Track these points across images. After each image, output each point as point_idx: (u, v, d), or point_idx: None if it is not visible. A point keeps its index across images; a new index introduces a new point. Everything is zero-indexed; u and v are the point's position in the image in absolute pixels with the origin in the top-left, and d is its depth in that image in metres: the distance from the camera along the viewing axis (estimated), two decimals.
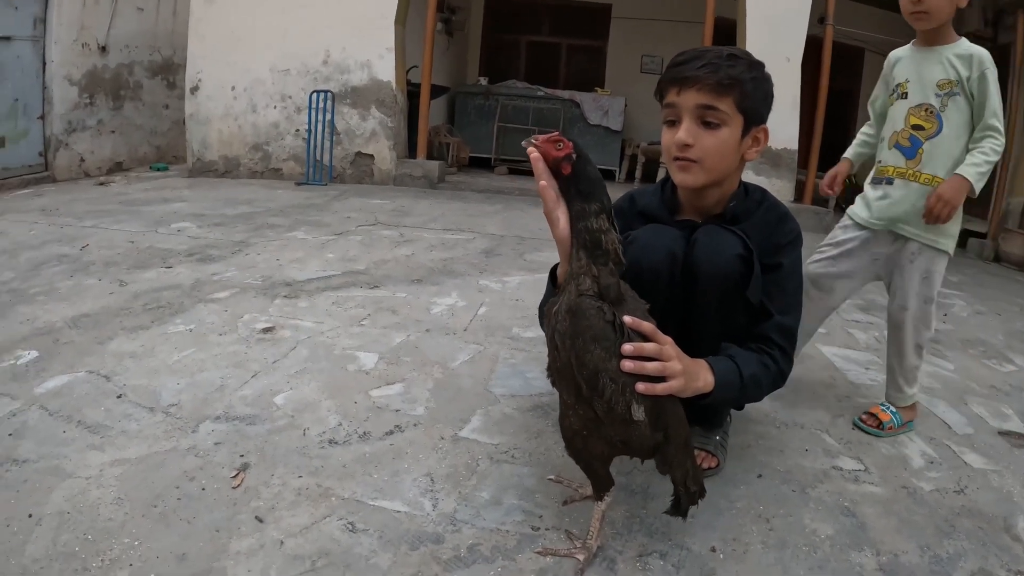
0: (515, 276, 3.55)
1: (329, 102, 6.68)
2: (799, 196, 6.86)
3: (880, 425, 2.14)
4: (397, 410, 2.01)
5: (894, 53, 2.23)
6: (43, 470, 1.64)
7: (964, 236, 7.36)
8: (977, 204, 7.70)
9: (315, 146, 6.62)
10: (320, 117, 6.61)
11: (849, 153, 2.39)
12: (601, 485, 1.41)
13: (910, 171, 2.09)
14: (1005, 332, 3.70)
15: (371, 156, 6.93)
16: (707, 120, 1.56)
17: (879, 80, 2.28)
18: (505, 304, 3.10)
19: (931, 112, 2.06)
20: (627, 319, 1.27)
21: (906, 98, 2.11)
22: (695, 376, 1.36)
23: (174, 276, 3.16)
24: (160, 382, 2.09)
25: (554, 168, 1.32)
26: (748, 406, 2.00)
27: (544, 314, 1.49)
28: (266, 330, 2.54)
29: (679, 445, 1.37)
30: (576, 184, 1.32)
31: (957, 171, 2.01)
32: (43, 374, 2.15)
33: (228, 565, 1.34)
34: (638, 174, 8.49)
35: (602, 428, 1.33)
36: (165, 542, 1.39)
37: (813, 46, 6.60)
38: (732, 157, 1.62)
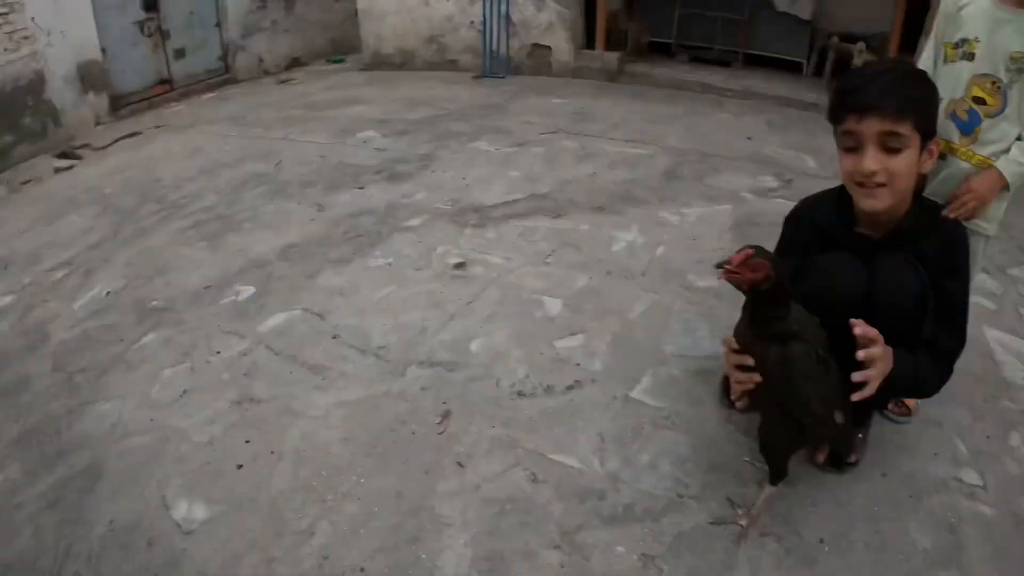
0: (694, 207, 3.51)
1: None
2: None
3: (909, 412, 2.07)
4: (578, 364, 2.21)
5: None
6: (277, 410, 2.00)
7: None
8: None
9: (490, 38, 6.63)
10: (494, 9, 6.58)
11: None
12: (779, 475, 1.61)
13: (962, 149, 1.88)
14: None
15: (548, 48, 6.84)
16: (890, 146, 1.57)
17: (938, 16, 1.96)
18: (682, 243, 3.12)
19: (998, 87, 1.80)
20: (854, 322, 1.45)
21: (972, 60, 1.83)
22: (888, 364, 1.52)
23: (367, 199, 3.46)
24: (369, 323, 2.40)
25: (750, 287, 1.41)
26: None
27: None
28: (458, 266, 2.80)
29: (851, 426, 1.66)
30: (769, 297, 1.42)
31: (996, 163, 1.81)
32: (263, 311, 2.51)
33: (435, 504, 1.65)
34: (829, 68, 7.78)
35: (801, 435, 1.59)
36: (385, 481, 1.71)
37: None
38: (912, 176, 1.62)
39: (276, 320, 2.42)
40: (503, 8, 6.61)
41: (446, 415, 1.96)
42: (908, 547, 1.66)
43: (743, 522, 1.64)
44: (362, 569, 1.53)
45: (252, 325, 2.43)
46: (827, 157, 3.85)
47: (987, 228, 1.93)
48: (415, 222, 3.19)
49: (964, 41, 1.84)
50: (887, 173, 1.57)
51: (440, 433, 1.89)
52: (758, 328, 1.47)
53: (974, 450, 2.01)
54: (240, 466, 1.81)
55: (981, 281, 2.76)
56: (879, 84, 1.55)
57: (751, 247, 1.39)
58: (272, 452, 1.84)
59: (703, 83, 6.85)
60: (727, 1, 8.40)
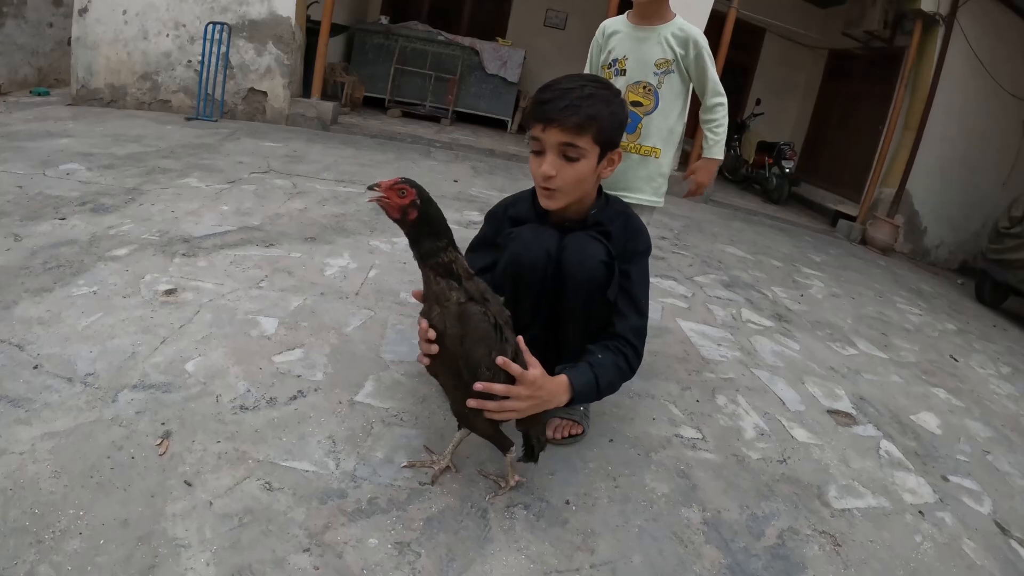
0: (404, 237, 3.70)
1: (225, 34, 6.51)
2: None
3: None
4: (299, 376, 2.26)
5: (609, 23, 2.36)
6: None
7: (835, 217, 8.17)
8: (851, 188, 8.44)
9: (207, 79, 6.47)
10: (214, 49, 6.44)
11: None
12: (502, 445, 1.77)
13: (631, 144, 2.30)
14: (855, 316, 4.25)
15: (264, 93, 6.84)
16: (568, 155, 1.80)
17: (591, 47, 2.41)
18: (394, 267, 3.36)
19: (649, 89, 2.25)
20: (499, 360, 1.54)
21: (624, 75, 2.28)
22: (550, 400, 1.66)
23: (70, 230, 3.21)
24: (73, 350, 2.23)
25: (400, 214, 1.55)
26: None
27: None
28: (169, 292, 2.70)
29: (533, 415, 1.71)
30: (425, 227, 1.58)
31: (705, 155, 2.32)
32: None
33: (167, 527, 1.58)
34: None
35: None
36: (107, 510, 1.61)
37: (716, 20, 6.99)
38: (590, 182, 1.89)
39: None
40: (223, 49, 6.49)
41: (166, 435, 1.89)
42: (648, 494, 1.95)
43: (502, 483, 1.83)
44: None
45: None
46: None
47: (659, 202, 2.40)
48: (121, 252, 3.02)
49: (615, 61, 2.28)
50: (562, 179, 1.82)
51: (161, 454, 1.82)
52: (423, 259, 1.61)
53: (688, 412, 2.45)
54: None
55: (673, 287, 3.67)
56: (565, 100, 1.76)
57: (403, 178, 1.54)
58: None
59: (414, 135, 7.29)
60: (440, 62, 8.95)
